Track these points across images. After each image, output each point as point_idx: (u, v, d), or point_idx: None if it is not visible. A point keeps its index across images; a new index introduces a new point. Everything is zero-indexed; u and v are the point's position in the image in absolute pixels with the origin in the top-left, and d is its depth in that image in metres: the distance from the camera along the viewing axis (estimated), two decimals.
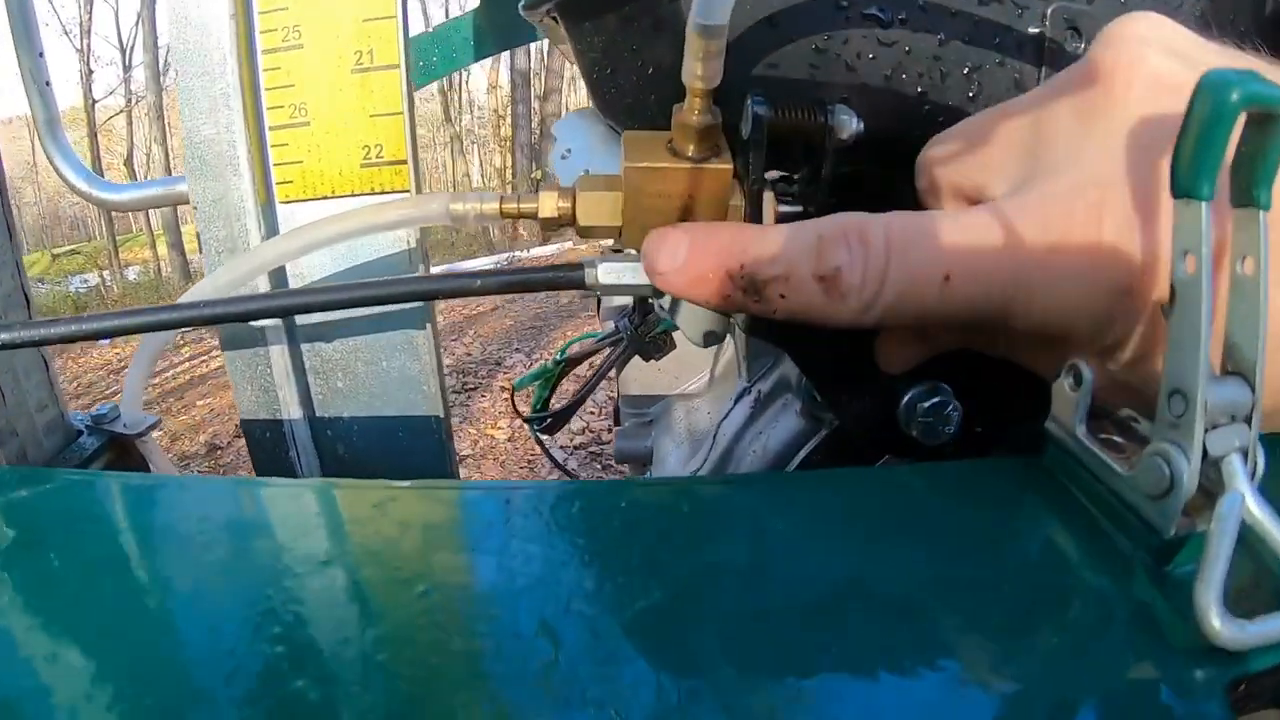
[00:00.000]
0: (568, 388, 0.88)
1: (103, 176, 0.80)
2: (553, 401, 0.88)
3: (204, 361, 6.61)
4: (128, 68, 15.78)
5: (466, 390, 5.08)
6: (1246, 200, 0.29)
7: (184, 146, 0.64)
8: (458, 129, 18.06)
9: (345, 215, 0.49)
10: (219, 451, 4.62)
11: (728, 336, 0.55)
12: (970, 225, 0.36)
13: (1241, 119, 0.28)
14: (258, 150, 0.63)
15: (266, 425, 0.70)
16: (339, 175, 0.62)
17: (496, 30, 1.30)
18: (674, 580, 0.31)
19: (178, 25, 0.63)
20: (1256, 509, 0.29)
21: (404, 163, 0.61)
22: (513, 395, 0.90)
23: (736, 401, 0.64)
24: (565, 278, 0.45)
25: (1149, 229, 0.33)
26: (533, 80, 14.24)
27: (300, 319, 0.66)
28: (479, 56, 1.33)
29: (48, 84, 0.76)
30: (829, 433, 0.51)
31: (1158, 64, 0.34)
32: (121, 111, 16.55)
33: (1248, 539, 0.29)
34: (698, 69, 0.37)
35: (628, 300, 0.84)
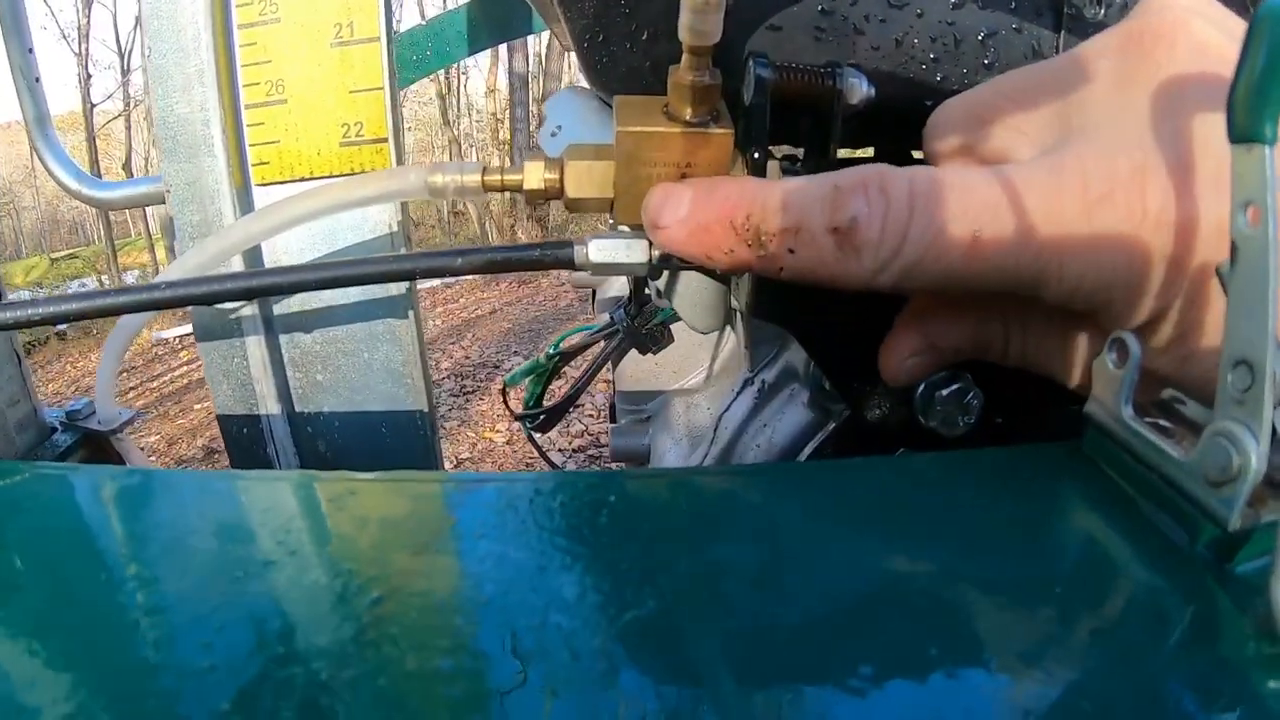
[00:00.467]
0: (563, 385, 0.85)
1: (101, 180, 0.79)
2: (547, 398, 0.85)
3: (202, 365, 6.63)
4: (126, 71, 15.81)
5: (465, 393, 5.09)
6: None
7: (156, 127, 0.61)
8: (456, 132, 18.08)
9: (318, 191, 0.46)
10: (216, 455, 4.62)
11: (728, 327, 0.53)
12: (1005, 181, 0.34)
13: None
14: (233, 130, 0.61)
15: (243, 421, 0.67)
16: (317, 155, 0.59)
17: (491, 23, 1.28)
18: (670, 586, 0.27)
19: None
20: None
21: (385, 141, 0.58)
22: (504, 392, 0.88)
23: (739, 393, 0.61)
24: (553, 256, 0.42)
25: (1191, 195, 0.31)
26: (531, 83, 14.26)
27: (278, 309, 0.63)
28: (473, 50, 1.32)
29: (37, 80, 0.75)
30: (839, 424, 0.48)
31: (1201, 31, 0.33)
32: (120, 115, 16.58)
33: None
34: (694, 22, 0.34)
35: (623, 291, 0.81)
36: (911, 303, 0.41)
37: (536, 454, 0.91)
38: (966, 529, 0.31)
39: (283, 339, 0.65)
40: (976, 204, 0.33)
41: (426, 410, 0.65)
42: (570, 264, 0.41)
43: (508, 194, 0.43)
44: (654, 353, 0.70)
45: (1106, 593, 0.27)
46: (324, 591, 0.28)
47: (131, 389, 6.58)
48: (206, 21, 0.59)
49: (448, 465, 3.99)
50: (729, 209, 0.36)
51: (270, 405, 0.66)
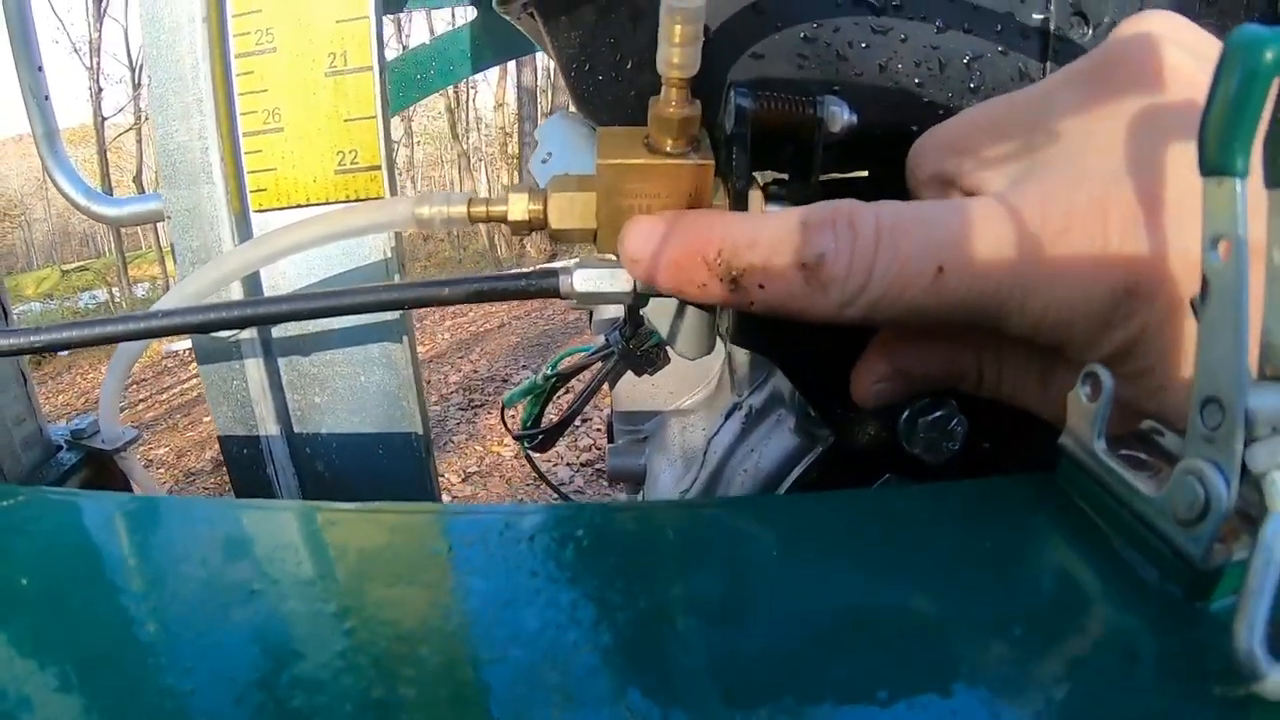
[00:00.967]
0: (565, 401, 0.86)
1: (112, 193, 0.80)
2: (548, 417, 0.85)
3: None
4: (137, 86, 15.88)
5: (473, 407, 5.09)
6: None
7: (157, 154, 0.62)
8: (465, 146, 18.13)
9: (309, 222, 0.47)
10: (224, 468, 4.62)
11: (719, 348, 0.53)
12: (967, 215, 0.34)
13: (1276, 86, 0.25)
14: (231, 157, 0.62)
15: (243, 442, 0.68)
16: (313, 182, 0.60)
17: (494, 42, 1.29)
18: (632, 620, 0.27)
19: (149, 28, 0.61)
20: None
21: (379, 168, 0.59)
22: (503, 412, 0.88)
23: (727, 417, 0.61)
24: (539, 285, 0.42)
25: (1156, 225, 0.31)
26: (539, 98, 14.29)
27: (276, 332, 0.64)
28: (477, 69, 1.32)
29: (46, 98, 0.76)
30: (825, 450, 0.48)
31: (1173, 59, 0.33)
32: (131, 129, 16.66)
33: None
34: (673, 56, 0.34)
35: (619, 312, 0.82)
36: (883, 329, 0.41)
37: (546, 469, 0.91)
38: (936, 563, 0.31)
39: (281, 362, 0.66)
40: (939, 238, 0.34)
41: (421, 433, 0.66)
42: (555, 293, 0.42)
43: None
44: (650, 374, 0.70)
45: (1073, 630, 0.27)
46: (302, 620, 0.28)
47: (141, 401, 6.61)
48: (205, 51, 0.60)
49: (455, 479, 3.99)
50: (700, 244, 0.36)
51: (269, 426, 0.67)
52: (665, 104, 0.36)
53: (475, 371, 5.91)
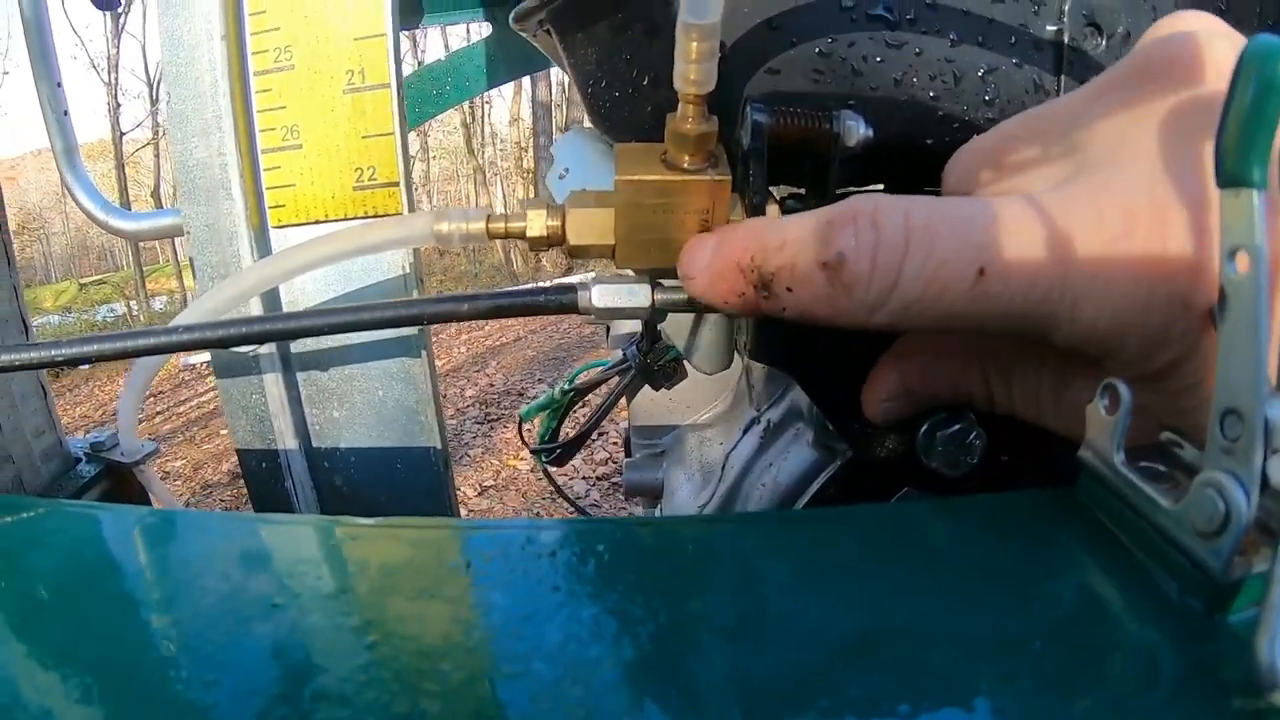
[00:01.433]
0: (584, 416, 0.86)
1: (130, 208, 0.81)
2: (565, 432, 0.85)
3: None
4: (155, 101, 16.01)
5: (489, 421, 5.10)
6: None
7: (175, 171, 0.63)
8: (480, 161, 18.19)
9: (329, 238, 0.47)
10: (240, 481, 4.64)
11: (737, 363, 0.53)
12: (1011, 213, 0.32)
13: None
14: (250, 174, 0.62)
15: (262, 456, 0.68)
16: (331, 199, 0.60)
17: (509, 57, 1.30)
18: (649, 636, 0.27)
19: (169, 46, 0.62)
20: None
21: (396, 184, 0.59)
22: (520, 426, 0.88)
23: (745, 431, 0.61)
24: (557, 301, 0.42)
25: (1211, 232, 0.29)
26: (554, 112, 14.33)
27: (295, 347, 0.65)
28: (492, 84, 1.33)
29: (65, 113, 0.77)
30: (843, 464, 0.48)
31: (1223, 53, 0.31)
32: (149, 144, 16.78)
33: None
34: (690, 72, 0.35)
35: (636, 326, 0.82)
36: (894, 345, 0.41)
37: (563, 483, 0.91)
38: (957, 577, 0.30)
39: (299, 376, 0.66)
40: (980, 238, 0.31)
41: (439, 447, 0.66)
42: (574, 309, 0.42)
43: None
44: (667, 388, 0.70)
45: (1094, 642, 0.27)
46: (324, 634, 0.29)
47: (159, 413, 6.64)
48: (224, 69, 0.61)
49: (471, 492, 4.00)
50: (736, 252, 0.36)
51: (288, 441, 0.67)
52: (682, 120, 0.36)
53: (491, 385, 5.92)
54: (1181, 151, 0.30)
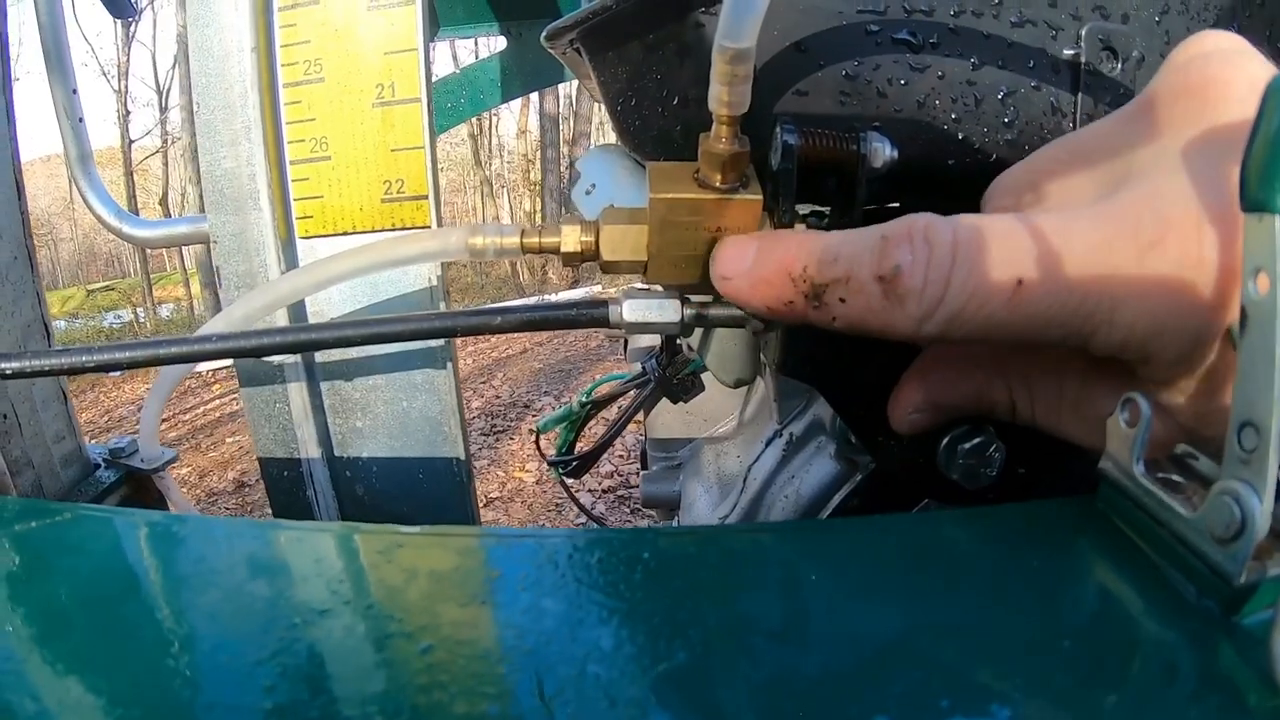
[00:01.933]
0: (596, 429, 0.86)
1: (138, 215, 0.81)
2: (579, 445, 0.86)
3: (234, 399, 6.67)
4: (164, 109, 16.07)
5: (495, 433, 5.09)
6: None
7: (203, 180, 0.64)
8: (488, 173, 18.22)
9: (362, 249, 0.48)
10: (246, 489, 4.64)
11: (758, 378, 0.54)
12: (1050, 227, 0.33)
13: None
14: (278, 184, 0.63)
15: (284, 464, 0.69)
16: (359, 210, 0.61)
17: (523, 71, 1.31)
18: (699, 639, 0.28)
19: (199, 57, 0.63)
20: None
21: (425, 198, 0.60)
22: (537, 438, 0.89)
23: (768, 445, 0.62)
24: (589, 315, 0.43)
25: (1239, 243, 0.30)
26: (561, 125, 14.37)
27: (319, 357, 0.65)
28: (506, 98, 1.34)
29: (81, 120, 0.77)
30: (865, 476, 0.49)
31: (1256, 70, 0.32)
32: (157, 152, 16.83)
33: None
34: (724, 95, 0.36)
35: (655, 341, 0.82)
36: (920, 358, 0.42)
37: (565, 496, 0.92)
38: (982, 586, 0.31)
39: (323, 386, 0.67)
40: (1020, 250, 0.33)
41: (463, 458, 0.67)
42: (605, 323, 0.43)
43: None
44: (685, 402, 0.71)
45: (1115, 646, 0.28)
46: (377, 640, 0.29)
47: (164, 420, 6.62)
48: (254, 80, 0.62)
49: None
50: (788, 261, 0.36)
51: (310, 449, 0.68)
52: (716, 140, 0.37)
53: (498, 397, 5.92)
54: (1215, 163, 0.31)
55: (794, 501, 0.55)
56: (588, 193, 0.53)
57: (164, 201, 16.16)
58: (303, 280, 0.52)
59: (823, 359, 0.42)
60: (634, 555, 0.33)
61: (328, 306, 0.64)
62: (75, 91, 0.77)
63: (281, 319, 0.63)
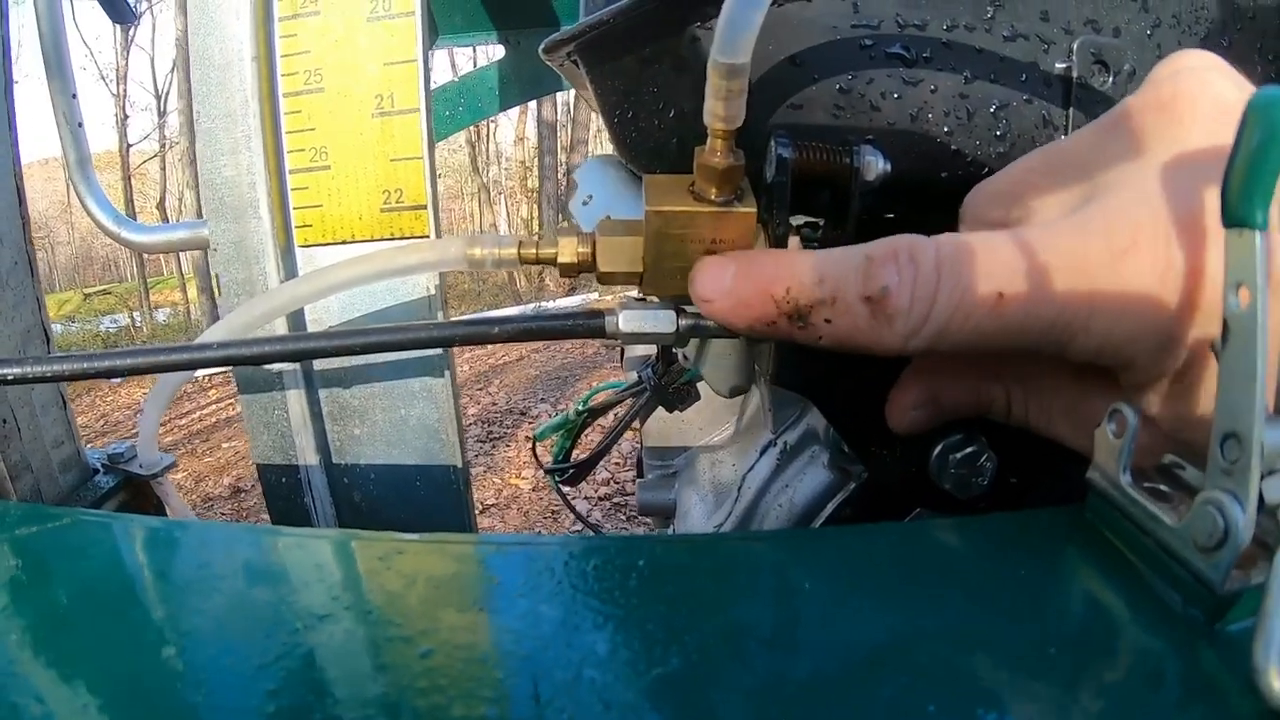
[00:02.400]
0: (592, 437, 0.87)
1: (136, 219, 0.82)
2: (575, 452, 0.86)
3: (230, 404, 6.66)
4: (162, 114, 16.06)
5: (491, 439, 5.09)
6: None
7: (203, 188, 0.64)
8: (485, 180, 18.24)
9: (361, 259, 0.49)
10: (242, 494, 4.64)
11: (753, 387, 0.54)
12: (1026, 240, 0.34)
13: None
14: (278, 193, 0.63)
15: (282, 471, 0.69)
16: (359, 219, 0.62)
17: (522, 80, 1.32)
18: (693, 645, 0.29)
19: (200, 66, 0.63)
20: None
21: (424, 208, 0.61)
22: (534, 445, 0.89)
23: (762, 454, 0.62)
24: (585, 325, 0.43)
25: (1205, 251, 0.31)
26: (559, 132, 14.37)
27: (318, 364, 0.66)
28: (504, 106, 1.35)
29: (80, 125, 0.78)
30: (858, 485, 0.49)
31: (1223, 89, 0.34)
32: (155, 156, 16.83)
33: None
34: (719, 109, 0.36)
35: (651, 350, 0.83)
36: (918, 359, 0.42)
37: (561, 503, 0.92)
38: (972, 593, 0.32)
39: (322, 393, 0.67)
40: (999, 264, 0.34)
41: (460, 466, 0.67)
42: (601, 333, 0.43)
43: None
44: (680, 410, 0.71)
45: (1100, 654, 0.28)
46: (377, 645, 0.30)
47: (161, 425, 6.62)
48: (254, 89, 0.62)
49: None
50: (769, 283, 0.37)
51: (308, 456, 0.68)
52: (711, 154, 0.38)
53: (494, 404, 5.92)
54: (1180, 178, 0.32)
55: (788, 510, 0.55)
56: (585, 203, 0.53)
57: (161, 205, 16.14)
58: (302, 289, 0.53)
59: (815, 370, 0.43)
60: (629, 563, 0.34)
61: (326, 315, 0.65)
62: (74, 96, 0.77)
63: (281, 327, 0.64)
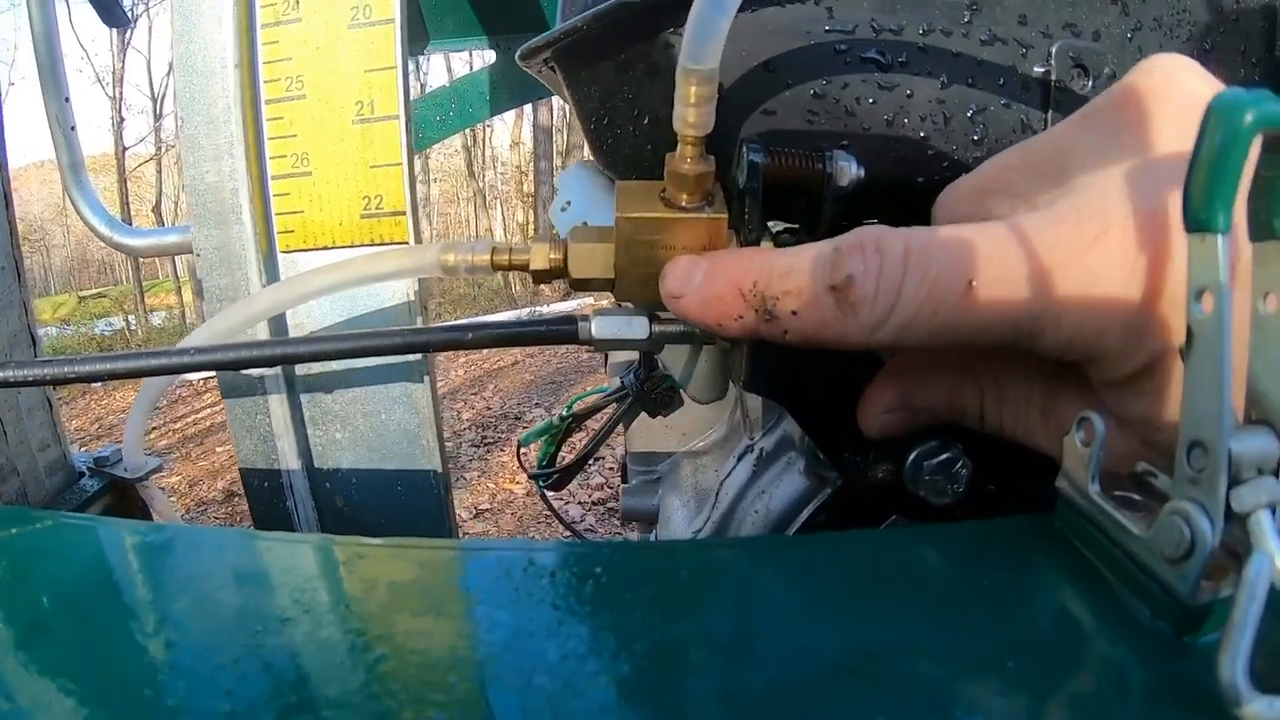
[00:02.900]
0: (579, 441, 0.87)
1: (131, 222, 0.82)
2: (562, 457, 0.87)
3: (224, 409, 6.65)
4: (158, 116, 16.07)
5: (485, 444, 5.09)
6: (1266, 233, 0.27)
7: (187, 194, 0.64)
8: (481, 184, 18.25)
9: (338, 265, 0.49)
10: (236, 498, 4.63)
11: (731, 391, 0.54)
12: (997, 233, 0.34)
13: (1257, 144, 0.26)
14: (260, 199, 0.63)
15: (265, 475, 0.69)
16: (339, 225, 0.62)
17: (513, 85, 1.32)
18: (646, 654, 0.29)
19: (183, 72, 0.63)
20: None
21: (403, 214, 0.61)
22: (518, 451, 0.90)
23: (739, 460, 0.62)
24: (559, 331, 0.44)
25: (1173, 245, 0.32)
26: (555, 137, 14.38)
27: (300, 370, 0.66)
28: (495, 111, 1.35)
29: (73, 128, 0.78)
30: (833, 492, 0.49)
31: (1195, 87, 0.34)
32: (151, 159, 16.84)
33: None
34: (688, 115, 0.36)
35: (634, 355, 0.83)
36: (891, 361, 0.42)
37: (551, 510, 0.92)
38: (935, 600, 0.32)
39: (304, 398, 0.67)
40: (968, 255, 0.34)
41: (440, 470, 0.67)
42: (574, 339, 0.43)
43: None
44: (664, 415, 0.72)
45: (1068, 664, 0.28)
46: (333, 648, 0.30)
47: (155, 429, 6.61)
48: (236, 96, 0.62)
49: (466, 515, 3.99)
50: (737, 277, 0.37)
51: (290, 461, 0.68)
52: (681, 160, 0.38)
53: (489, 409, 5.92)
54: (1149, 171, 0.33)
55: (764, 516, 0.55)
56: (564, 209, 0.53)
57: (157, 208, 16.15)
58: (282, 295, 0.53)
59: (787, 375, 0.42)
60: (587, 570, 0.34)
61: (308, 319, 0.65)
62: (68, 100, 0.77)
63: (263, 331, 0.64)
